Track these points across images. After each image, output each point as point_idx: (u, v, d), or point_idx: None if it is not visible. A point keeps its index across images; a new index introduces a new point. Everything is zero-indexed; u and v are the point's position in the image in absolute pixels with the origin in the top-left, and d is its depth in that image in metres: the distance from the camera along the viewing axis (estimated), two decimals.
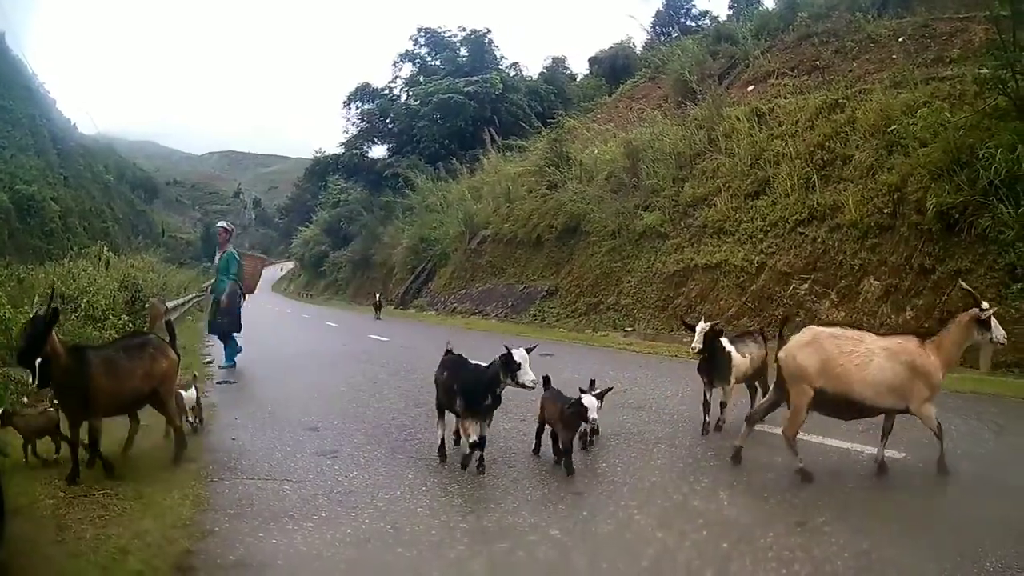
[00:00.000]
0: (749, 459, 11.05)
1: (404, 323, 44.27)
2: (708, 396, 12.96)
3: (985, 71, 20.94)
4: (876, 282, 21.78)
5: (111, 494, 9.39)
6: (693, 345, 12.66)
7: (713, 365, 12.71)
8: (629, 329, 30.12)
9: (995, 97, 20.48)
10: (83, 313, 24.53)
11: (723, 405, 12.93)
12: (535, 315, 38.00)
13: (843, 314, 22.03)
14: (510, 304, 41.04)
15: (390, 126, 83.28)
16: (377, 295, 51.32)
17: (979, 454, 10.95)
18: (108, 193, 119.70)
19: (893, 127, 23.66)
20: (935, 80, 25.15)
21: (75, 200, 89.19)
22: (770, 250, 26.26)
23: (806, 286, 24.08)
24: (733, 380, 12.76)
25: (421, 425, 14.12)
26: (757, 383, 13.49)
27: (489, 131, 60.24)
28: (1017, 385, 15.88)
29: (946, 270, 19.63)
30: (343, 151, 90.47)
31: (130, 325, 24.82)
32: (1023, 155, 18.42)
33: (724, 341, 12.84)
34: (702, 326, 12.65)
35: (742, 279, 26.68)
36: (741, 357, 12.87)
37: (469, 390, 10.82)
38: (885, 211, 22.44)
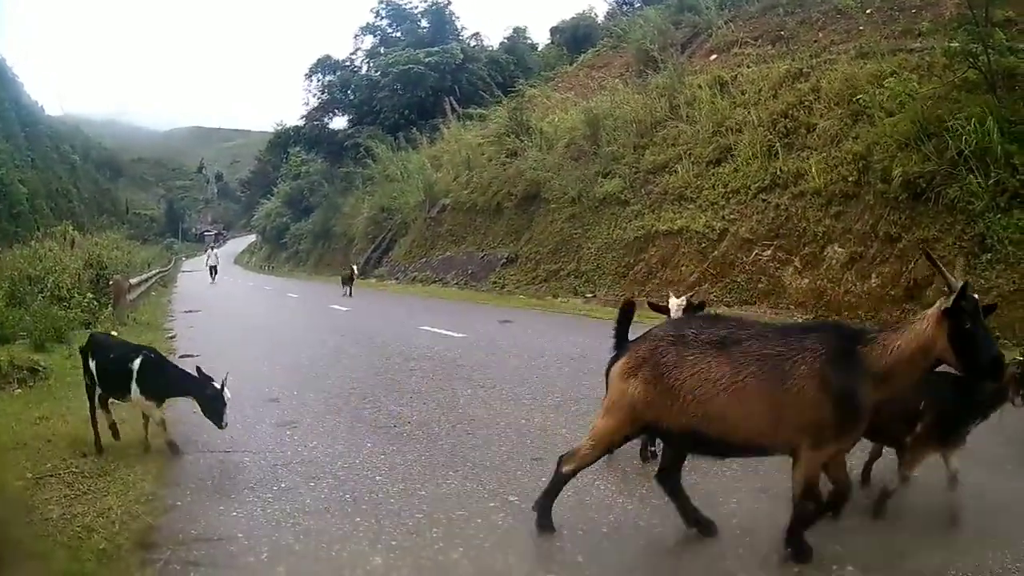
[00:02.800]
0: None
1: (365, 293, 43.66)
2: None
3: (955, 44, 20.52)
4: (840, 249, 21.53)
5: (77, 472, 9.30)
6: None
7: None
8: (589, 295, 29.99)
9: (965, 70, 20.24)
10: (49, 293, 24.36)
11: None
12: (495, 282, 37.75)
13: (807, 281, 22.01)
14: (470, 272, 40.67)
15: (351, 98, 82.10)
16: (353, 267, 44.88)
17: None
18: (74, 173, 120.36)
19: (859, 97, 23.44)
20: (903, 52, 24.78)
21: (42, 181, 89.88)
22: (732, 216, 25.88)
23: (769, 252, 23.82)
24: None
25: (380, 394, 14.06)
26: None
27: (449, 101, 60.26)
28: None
29: (912, 239, 19.41)
30: (304, 123, 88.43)
31: (95, 303, 25.04)
32: (993, 128, 18.22)
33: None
34: (677, 302, 10.21)
35: (704, 245, 26.33)
36: None
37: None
38: (850, 179, 22.17)
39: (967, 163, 18.51)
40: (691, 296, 10.40)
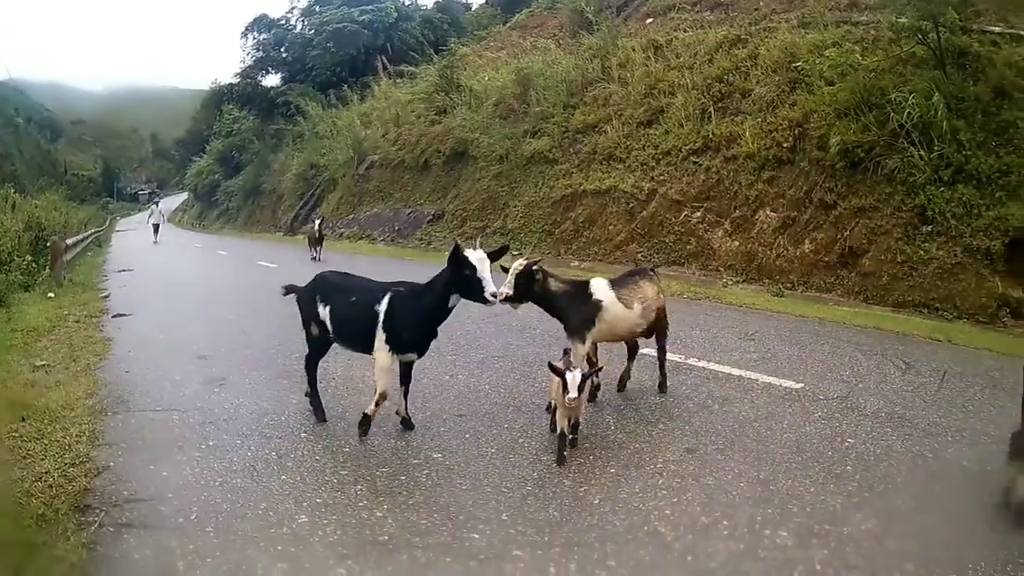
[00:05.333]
0: (636, 384, 10.84)
1: (292, 248, 43.73)
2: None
3: (904, 20, 20.40)
4: (773, 214, 21.41)
5: (16, 436, 9.10)
6: (501, 290, 9.18)
7: (559, 317, 9.96)
8: (516, 253, 29.42)
9: (912, 45, 20.16)
10: None
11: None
12: (421, 239, 37.40)
13: (737, 243, 21.88)
14: (396, 228, 40.59)
15: (284, 56, 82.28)
16: (317, 222, 36.96)
17: (883, 391, 10.68)
18: (17, 137, 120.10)
19: (798, 64, 23.23)
20: (847, 24, 24.58)
21: None
22: (662, 178, 25.54)
23: (699, 215, 23.61)
24: (589, 342, 9.79)
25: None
26: (655, 340, 10.71)
27: (381, 59, 59.91)
28: (924, 324, 15.73)
29: (849, 206, 19.37)
30: (238, 81, 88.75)
31: (34, 265, 24.88)
32: (939, 103, 18.20)
33: (598, 285, 9.87)
34: (516, 265, 9.70)
35: (632, 205, 26.02)
36: (625, 308, 9.83)
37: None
38: (785, 145, 21.99)
39: (909, 136, 18.43)
40: (533, 263, 9.72)
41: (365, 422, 8.83)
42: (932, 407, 9.91)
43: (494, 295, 8.29)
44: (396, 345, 8.70)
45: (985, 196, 17.20)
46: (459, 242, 8.85)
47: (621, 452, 8.55)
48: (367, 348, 8.92)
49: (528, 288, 9.61)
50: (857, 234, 18.59)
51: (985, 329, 15.35)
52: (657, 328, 10.46)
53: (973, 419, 9.43)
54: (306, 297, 9.76)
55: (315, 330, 9.60)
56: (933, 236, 17.42)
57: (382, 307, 8.68)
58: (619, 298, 9.77)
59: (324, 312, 9.31)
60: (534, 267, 9.68)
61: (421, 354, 9.00)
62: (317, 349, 9.88)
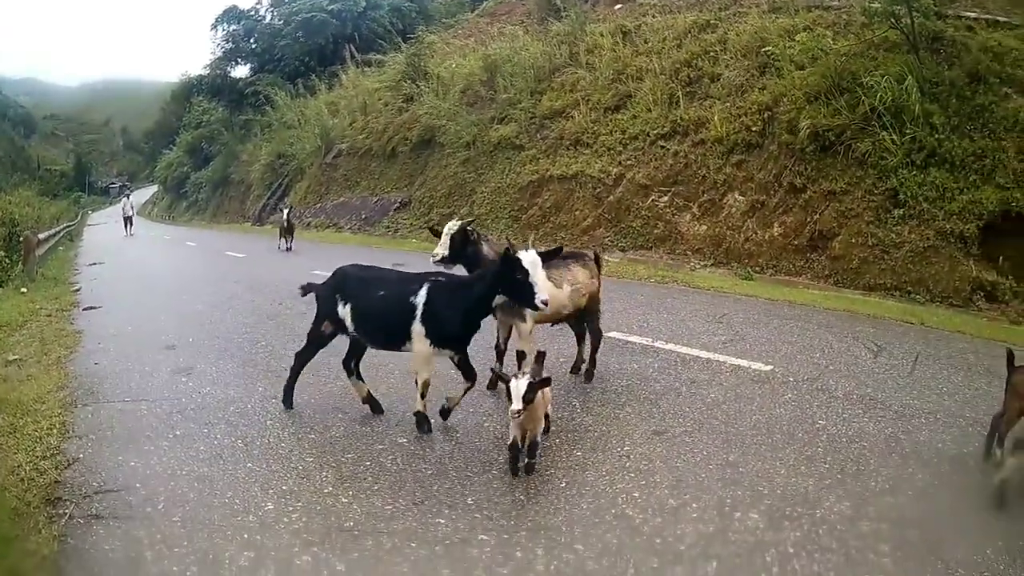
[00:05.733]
0: (602, 367, 10.82)
1: (259, 238, 44.14)
2: (500, 338, 10.59)
3: (877, 5, 20.39)
4: (741, 197, 21.35)
5: None
6: (435, 252, 9.83)
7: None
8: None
9: (885, 30, 20.12)
10: None
11: (520, 356, 9.33)
12: (388, 227, 37.55)
13: (705, 227, 21.84)
14: (364, 216, 40.64)
15: (254, 46, 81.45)
16: (285, 211, 35.87)
17: (854, 373, 10.63)
18: None
19: (767, 48, 23.20)
20: (818, 8, 24.59)
21: None
22: (629, 162, 25.45)
23: (666, 199, 23.54)
24: (531, 319, 9.60)
25: (272, 338, 14.31)
26: (586, 325, 10.72)
27: (349, 48, 59.87)
28: (896, 308, 15.66)
29: (819, 190, 19.34)
30: (207, 73, 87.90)
31: (7, 260, 25.28)
32: (911, 86, 18.23)
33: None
34: (450, 225, 9.97)
35: (599, 190, 25.94)
36: (554, 287, 9.56)
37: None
38: (754, 129, 21.89)
39: (881, 119, 18.40)
40: (468, 222, 10.12)
41: (421, 419, 8.58)
42: (905, 389, 9.87)
43: (545, 302, 8.04)
44: (437, 338, 8.36)
45: (959, 180, 17.14)
46: (511, 242, 8.63)
47: (587, 435, 8.53)
48: (395, 343, 8.68)
49: (463, 249, 9.76)
50: (827, 217, 18.58)
51: (958, 312, 15.30)
52: (587, 313, 10.44)
53: (947, 401, 9.37)
54: (324, 294, 9.26)
55: (328, 328, 9.23)
56: (905, 219, 17.37)
57: (420, 299, 8.32)
58: (549, 276, 9.33)
59: (344, 310, 8.88)
60: (468, 227, 9.93)
61: (461, 351, 8.56)
62: (317, 346, 9.56)
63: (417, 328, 8.29)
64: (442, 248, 9.65)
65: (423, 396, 8.51)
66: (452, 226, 9.74)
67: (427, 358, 8.41)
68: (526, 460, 7.40)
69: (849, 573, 5.73)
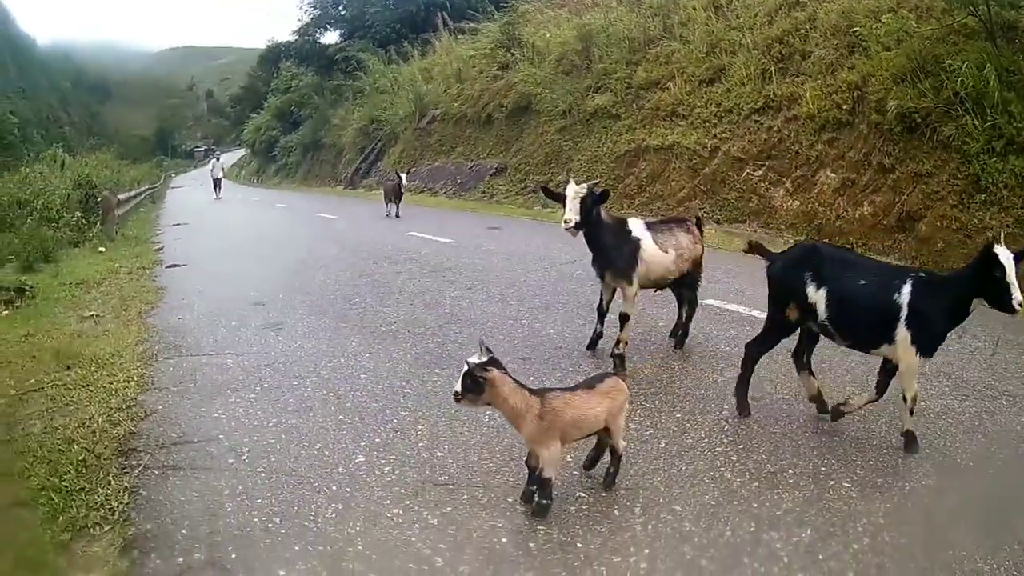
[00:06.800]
0: (700, 333, 11.13)
1: (353, 201, 44.30)
2: (604, 300, 10.42)
3: None
4: (832, 175, 21.51)
5: (59, 385, 9.19)
6: (566, 218, 9.27)
7: (604, 254, 9.84)
8: None
9: (964, 16, 19.94)
10: (38, 215, 24.86)
11: (624, 318, 9.81)
12: (484, 192, 37.74)
13: (798, 203, 22.04)
14: (459, 181, 40.71)
15: (342, 12, 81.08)
16: (401, 175, 32.53)
17: (940, 351, 10.04)
18: (65, 100, 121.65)
19: (855, 28, 23.11)
20: None
21: (33, 111, 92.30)
22: (724, 135, 25.74)
23: (760, 173, 23.82)
24: (637, 282, 9.82)
25: (366, 295, 14.57)
26: (684, 291, 10.89)
27: (441, 15, 59.22)
28: None
29: (906, 171, 19.37)
30: (296, 38, 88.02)
31: (84, 221, 25.63)
32: (991, 74, 18.09)
33: (635, 224, 9.92)
34: (576, 189, 9.29)
35: (694, 162, 26.26)
36: (660, 251, 9.88)
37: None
38: (844, 107, 21.99)
39: (963, 104, 18.37)
40: (594, 185, 9.60)
41: (911, 438, 7.48)
42: (987, 371, 9.92)
43: (1021, 304, 6.81)
44: (924, 346, 7.28)
45: None
46: (994, 237, 7.72)
47: (687, 398, 8.72)
48: (872, 343, 7.63)
49: (590, 214, 9.37)
50: (914, 199, 18.62)
51: None
52: (689, 279, 10.57)
53: None
54: (787, 270, 8.03)
55: (793, 313, 7.94)
56: (987, 205, 17.36)
57: (904, 297, 7.22)
58: (655, 240, 9.84)
59: (817, 294, 7.64)
60: (596, 189, 9.50)
61: (929, 356, 7.42)
62: (777, 336, 8.35)
63: (903, 332, 7.26)
64: (572, 213, 9.21)
65: (911, 412, 7.48)
66: (579, 190, 9.24)
67: (915, 370, 7.38)
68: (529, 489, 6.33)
69: (934, 548, 5.79)
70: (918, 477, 6.92)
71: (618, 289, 10.02)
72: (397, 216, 30.87)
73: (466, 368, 5.86)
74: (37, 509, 6.16)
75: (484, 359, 5.93)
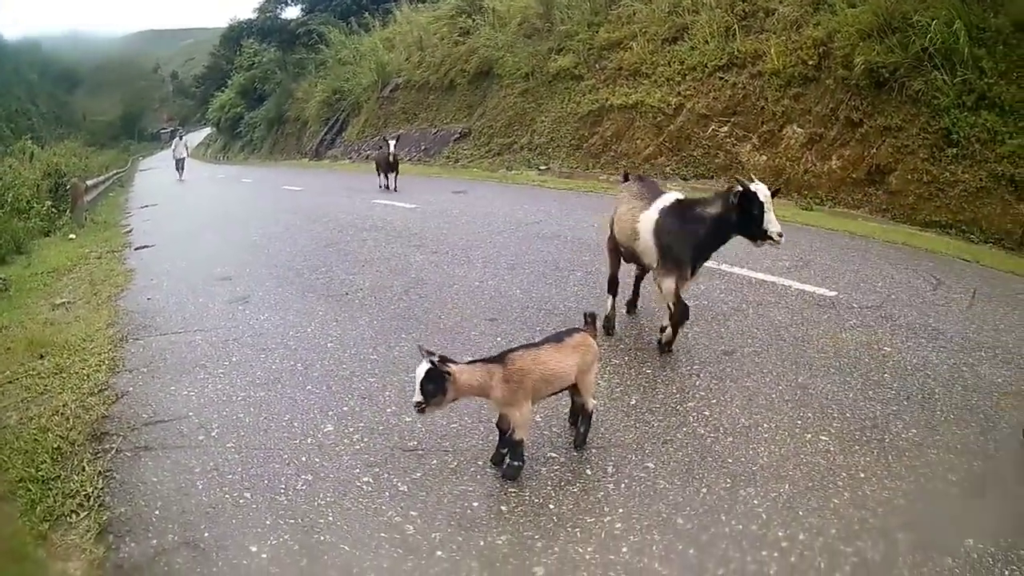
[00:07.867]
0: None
1: (318, 174, 43.79)
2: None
3: None
4: (800, 129, 21.47)
5: (33, 374, 9.11)
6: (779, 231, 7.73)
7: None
8: (544, 168, 30.04)
9: None
10: (9, 207, 24.83)
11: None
12: (448, 157, 37.60)
13: (765, 158, 22.00)
14: (423, 148, 40.56)
15: None
16: (391, 142, 28.25)
17: (916, 303, 10.72)
18: (32, 91, 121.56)
19: None
20: None
21: (2, 107, 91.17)
22: (688, 93, 25.64)
23: (726, 129, 23.73)
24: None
25: (331, 264, 14.45)
26: None
27: None
28: (952, 244, 15.65)
29: (875, 125, 19.35)
30: (257, 16, 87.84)
31: (54, 210, 25.73)
32: (961, 31, 18.07)
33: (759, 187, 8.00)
34: (766, 190, 7.76)
35: (659, 119, 26.13)
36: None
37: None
38: (810, 63, 21.93)
39: (932, 60, 18.39)
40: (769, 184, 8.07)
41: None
42: (964, 323, 9.94)
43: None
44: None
45: (1008, 124, 17.06)
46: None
47: (655, 353, 8.67)
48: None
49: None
50: (884, 152, 18.62)
51: (1011, 254, 15.24)
52: None
53: (1005, 337, 9.39)
54: None
55: None
56: (958, 159, 17.36)
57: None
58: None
59: None
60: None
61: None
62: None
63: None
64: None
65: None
66: (768, 193, 7.75)
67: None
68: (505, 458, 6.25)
69: (918, 501, 5.81)
70: (898, 430, 6.85)
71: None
72: (395, 189, 27.40)
73: (424, 370, 5.60)
74: (16, 501, 6.17)
75: (435, 359, 5.63)
